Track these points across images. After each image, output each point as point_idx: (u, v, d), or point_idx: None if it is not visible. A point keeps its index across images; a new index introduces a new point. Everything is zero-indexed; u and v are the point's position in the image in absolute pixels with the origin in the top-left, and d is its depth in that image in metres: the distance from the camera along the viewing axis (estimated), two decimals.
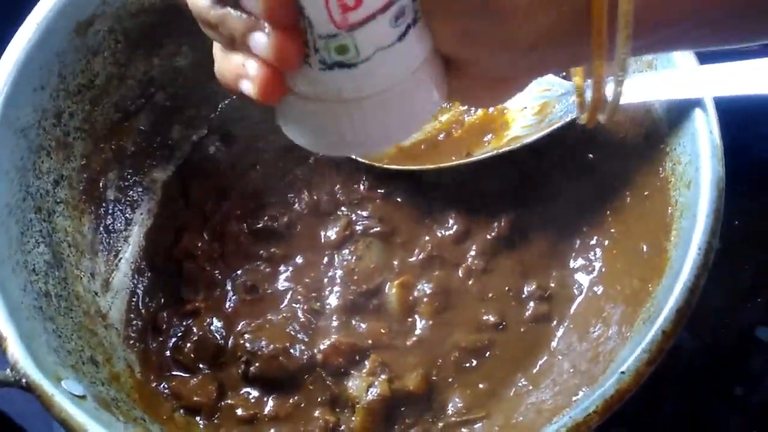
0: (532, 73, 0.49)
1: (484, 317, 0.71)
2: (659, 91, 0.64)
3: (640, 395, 0.56)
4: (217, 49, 0.46)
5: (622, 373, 0.55)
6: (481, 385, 0.68)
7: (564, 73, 0.72)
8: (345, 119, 0.44)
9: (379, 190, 0.77)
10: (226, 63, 0.45)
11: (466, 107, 0.77)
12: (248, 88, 0.44)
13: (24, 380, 0.56)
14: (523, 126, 0.73)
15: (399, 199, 0.77)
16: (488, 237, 0.74)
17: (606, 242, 0.71)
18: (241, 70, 0.44)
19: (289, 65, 0.42)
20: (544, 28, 0.42)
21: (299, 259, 0.75)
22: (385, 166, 0.75)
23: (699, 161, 0.61)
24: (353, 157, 0.76)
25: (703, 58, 0.64)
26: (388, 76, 0.43)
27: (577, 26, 0.42)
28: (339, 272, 0.73)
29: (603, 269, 0.70)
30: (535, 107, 0.73)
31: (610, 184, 0.72)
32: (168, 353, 0.71)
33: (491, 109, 0.76)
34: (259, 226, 0.76)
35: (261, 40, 0.41)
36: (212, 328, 0.71)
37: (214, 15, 0.43)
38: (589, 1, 0.41)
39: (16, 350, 0.56)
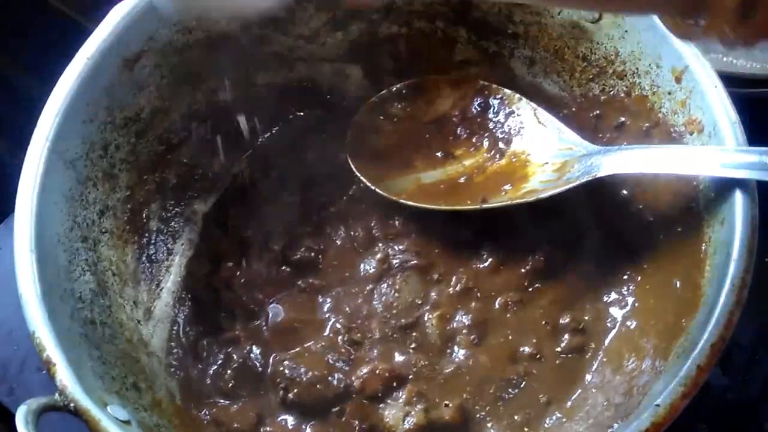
0: None
1: (521, 348, 0.72)
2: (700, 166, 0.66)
3: (671, 430, 0.57)
4: None
5: (657, 405, 0.55)
6: (516, 417, 0.69)
7: None
8: None
9: (413, 225, 0.78)
10: None
11: (491, 155, 0.79)
12: None
13: (72, 405, 0.57)
14: (541, 180, 0.75)
15: (434, 234, 0.78)
16: (523, 270, 0.75)
17: (639, 278, 0.72)
18: None
19: None
20: None
21: (337, 291, 0.76)
22: (402, 201, 0.77)
23: (733, 198, 0.62)
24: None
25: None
26: None
27: None
28: (378, 305, 0.75)
29: (636, 304, 0.71)
30: (556, 164, 0.75)
31: (643, 220, 0.73)
32: (208, 380, 0.72)
33: (514, 159, 0.78)
34: (297, 257, 0.77)
35: None
36: (251, 355, 0.72)
37: None
38: None
39: (64, 376, 0.58)
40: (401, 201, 0.77)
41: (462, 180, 0.78)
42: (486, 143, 0.80)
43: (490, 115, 0.80)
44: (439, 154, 0.80)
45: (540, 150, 0.76)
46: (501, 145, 0.79)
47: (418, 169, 0.80)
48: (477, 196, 0.76)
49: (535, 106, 0.78)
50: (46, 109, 0.68)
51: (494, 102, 0.80)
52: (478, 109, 0.80)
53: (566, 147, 0.74)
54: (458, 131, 0.81)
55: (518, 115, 0.78)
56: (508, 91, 0.79)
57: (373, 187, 0.76)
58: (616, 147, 0.72)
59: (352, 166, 0.78)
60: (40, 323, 0.60)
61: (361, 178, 0.78)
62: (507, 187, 0.76)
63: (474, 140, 0.80)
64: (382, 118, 0.81)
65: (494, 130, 0.80)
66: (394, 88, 0.82)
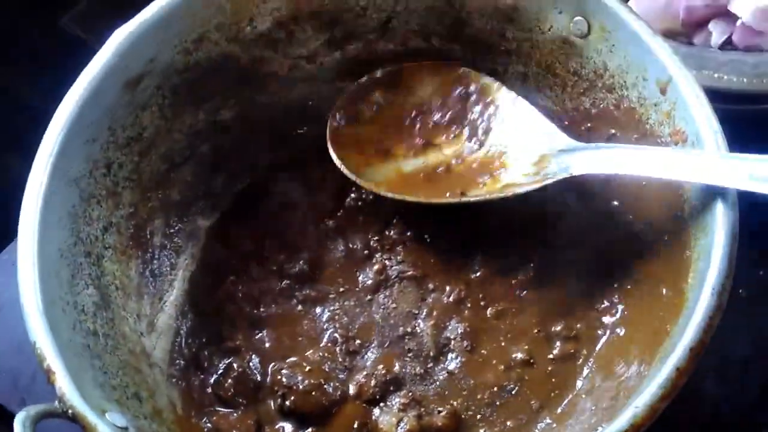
0: None
1: (513, 355, 0.73)
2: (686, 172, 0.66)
3: None
4: None
5: (637, 408, 0.57)
6: (508, 423, 0.71)
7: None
8: None
9: (408, 233, 0.80)
10: None
11: (470, 143, 0.80)
12: None
13: (70, 411, 0.59)
14: (520, 173, 0.76)
15: (428, 245, 0.80)
16: (515, 280, 0.77)
17: (629, 286, 0.73)
18: None
19: None
20: None
21: (335, 302, 0.78)
22: (383, 193, 0.78)
23: (715, 207, 0.63)
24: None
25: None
26: None
27: None
28: (376, 316, 0.77)
29: (626, 311, 0.73)
30: (533, 156, 0.76)
31: (633, 230, 0.74)
32: (209, 389, 0.74)
33: (492, 149, 0.79)
34: (296, 270, 0.79)
35: None
36: (251, 364, 0.74)
37: None
38: None
39: (63, 384, 0.60)
40: (381, 193, 0.78)
41: (440, 170, 0.80)
42: (466, 132, 0.81)
43: (470, 104, 0.81)
44: (418, 141, 0.82)
45: (518, 140, 0.77)
46: (480, 134, 0.80)
47: (398, 158, 0.81)
48: (456, 187, 0.77)
49: (515, 95, 0.79)
50: (49, 129, 0.69)
51: (474, 90, 0.80)
52: (459, 96, 0.81)
53: (544, 137, 0.76)
54: (438, 119, 0.82)
55: (497, 104, 0.79)
56: (488, 80, 0.80)
57: (353, 178, 0.77)
58: (594, 144, 0.73)
59: (333, 155, 0.79)
60: (41, 334, 0.62)
61: (342, 168, 0.78)
62: (485, 178, 0.77)
63: (453, 128, 0.81)
64: (362, 105, 0.83)
65: (474, 119, 0.81)
66: (375, 75, 0.83)
